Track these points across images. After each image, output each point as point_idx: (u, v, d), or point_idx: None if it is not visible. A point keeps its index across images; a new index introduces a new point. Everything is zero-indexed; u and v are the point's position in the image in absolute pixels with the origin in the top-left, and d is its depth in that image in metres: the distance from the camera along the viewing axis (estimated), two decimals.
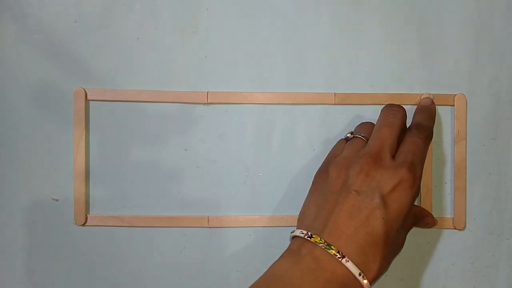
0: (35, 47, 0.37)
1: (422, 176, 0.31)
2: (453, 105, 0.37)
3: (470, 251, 0.38)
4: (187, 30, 0.37)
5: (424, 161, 0.32)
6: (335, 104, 0.37)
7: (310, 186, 0.33)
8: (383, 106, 0.34)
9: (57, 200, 0.37)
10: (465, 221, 0.38)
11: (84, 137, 0.37)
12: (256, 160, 0.38)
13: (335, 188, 0.30)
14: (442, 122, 0.38)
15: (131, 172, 0.37)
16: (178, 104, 0.37)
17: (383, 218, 0.28)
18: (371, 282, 0.28)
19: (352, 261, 0.28)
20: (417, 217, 0.34)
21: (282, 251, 0.30)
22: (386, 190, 0.29)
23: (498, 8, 0.38)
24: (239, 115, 0.37)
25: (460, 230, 0.38)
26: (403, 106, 0.34)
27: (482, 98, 0.38)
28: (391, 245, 0.29)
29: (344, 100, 0.37)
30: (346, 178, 0.30)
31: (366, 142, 0.33)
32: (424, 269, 0.38)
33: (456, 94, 0.37)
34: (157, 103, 0.37)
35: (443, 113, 0.38)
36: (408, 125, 0.34)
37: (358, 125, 0.35)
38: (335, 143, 0.35)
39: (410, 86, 0.38)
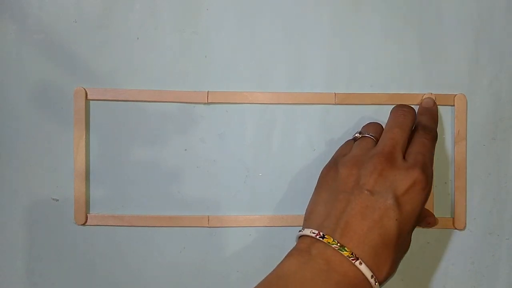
0: (35, 47, 0.37)
1: None
2: (453, 105, 0.37)
3: (470, 251, 0.38)
4: (187, 30, 0.37)
5: (433, 162, 0.32)
6: (335, 104, 0.37)
7: (316, 184, 0.33)
8: (390, 106, 0.34)
9: (57, 200, 0.37)
10: (465, 221, 0.38)
11: (84, 137, 0.37)
12: (256, 160, 0.38)
13: (347, 187, 0.30)
14: (442, 122, 0.38)
15: (131, 172, 0.37)
16: (178, 104, 0.37)
17: (396, 219, 0.28)
18: (381, 284, 0.28)
19: (365, 263, 0.27)
20: (420, 217, 0.34)
21: (283, 251, 0.30)
22: (400, 191, 0.29)
23: (498, 8, 0.38)
24: (239, 115, 0.37)
25: (460, 230, 0.38)
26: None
27: (482, 98, 0.38)
28: (401, 246, 0.29)
29: (344, 100, 0.37)
30: (358, 177, 0.30)
31: (375, 142, 0.32)
32: (424, 269, 0.38)
33: (456, 94, 0.37)
34: (157, 103, 0.37)
35: (443, 113, 0.38)
36: None
37: (365, 125, 0.35)
38: (336, 143, 0.35)
39: (410, 86, 0.38)
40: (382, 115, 0.37)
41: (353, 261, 0.27)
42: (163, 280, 0.38)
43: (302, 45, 0.37)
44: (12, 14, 0.37)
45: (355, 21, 0.37)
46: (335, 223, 0.29)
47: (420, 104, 0.37)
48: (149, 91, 0.37)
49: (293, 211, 0.37)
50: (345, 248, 0.27)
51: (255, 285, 0.28)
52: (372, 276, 0.27)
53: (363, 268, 0.27)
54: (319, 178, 0.33)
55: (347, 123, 0.37)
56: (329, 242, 0.28)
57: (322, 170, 0.33)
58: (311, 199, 0.32)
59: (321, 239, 0.28)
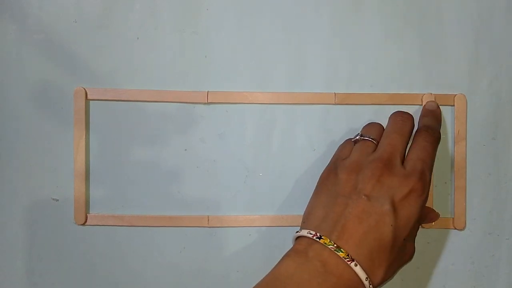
0: (35, 47, 0.37)
1: None
2: (453, 105, 0.37)
3: (470, 251, 0.38)
4: (187, 30, 0.37)
5: (433, 165, 0.32)
6: (335, 104, 0.37)
7: (316, 186, 0.33)
8: (390, 106, 0.34)
9: (57, 200, 0.37)
10: (465, 221, 0.38)
11: (84, 137, 0.37)
12: (256, 160, 0.38)
13: (345, 191, 0.30)
14: (443, 122, 0.38)
15: (131, 172, 0.37)
16: (178, 104, 0.37)
17: (391, 225, 0.28)
18: (375, 287, 0.28)
19: (360, 265, 0.27)
20: (422, 216, 0.34)
21: (282, 251, 0.30)
22: (397, 198, 0.29)
23: (498, 8, 0.38)
24: (239, 115, 0.37)
25: (460, 230, 0.38)
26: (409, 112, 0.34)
27: (482, 98, 0.38)
28: (397, 252, 0.29)
29: (344, 100, 0.37)
30: (356, 182, 0.30)
31: (375, 145, 0.32)
32: (424, 269, 0.38)
33: (456, 94, 0.37)
34: (157, 103, 0.37)
35: (443, 113, 0.38)
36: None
37: (366, 126, 0.35)
38: (336, 143, 0.35)
39: (410, 86, 0.38)
40: (382, 115, 0.37)
41: (349, 263, 0.27)
42: (163, 280, 0.38)
43: (302, 45, 0.37)
44: (12, 14, 0.37)
45: (355, 21, 0.37)
46: (332, 226, 0.29)
47: (423, 107, 0.37)
48: (149, 91, 0.37)
49: (293, 211, 0.37)
50: (341, 249, 0.28)
51: (254, 285, 0.28)
52: (366, 279, 0.28)
53: (358, 270, 0.27)
54: (318, 181, 0.33)
55: (347, 123, 0.37)
56: (325, 243, 0.28)
57: (322, 174, 0.33)
58: (309, 201, 0.33)
59: (318, 240, 0.28)
